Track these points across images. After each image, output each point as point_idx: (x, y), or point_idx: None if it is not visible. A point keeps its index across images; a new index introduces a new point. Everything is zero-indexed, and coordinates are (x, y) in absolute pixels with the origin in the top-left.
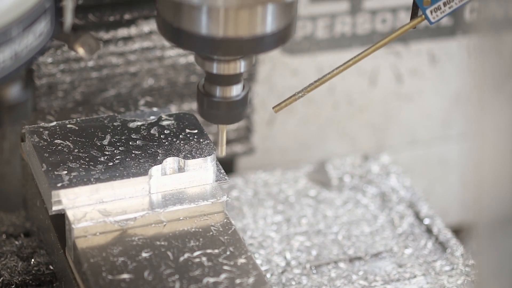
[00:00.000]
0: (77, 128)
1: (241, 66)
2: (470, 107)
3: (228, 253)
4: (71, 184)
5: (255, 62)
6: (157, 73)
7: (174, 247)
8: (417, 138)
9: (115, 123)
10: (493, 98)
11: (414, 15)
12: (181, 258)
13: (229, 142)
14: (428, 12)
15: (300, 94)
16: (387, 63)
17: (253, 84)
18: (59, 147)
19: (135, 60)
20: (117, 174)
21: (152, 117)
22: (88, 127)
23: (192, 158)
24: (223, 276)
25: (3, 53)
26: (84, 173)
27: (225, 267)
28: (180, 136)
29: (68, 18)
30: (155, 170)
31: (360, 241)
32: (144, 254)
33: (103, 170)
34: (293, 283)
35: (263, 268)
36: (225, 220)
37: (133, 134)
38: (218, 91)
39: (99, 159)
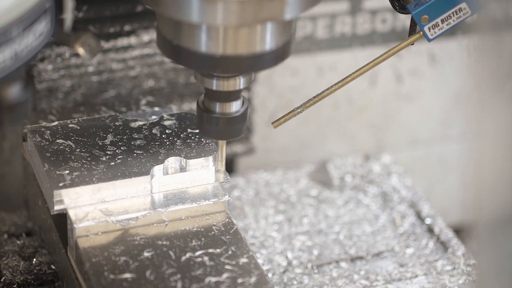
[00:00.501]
0: (78, 127)
1: (240, 83)
2: (470, 107)
3: (230, 252)
4: (73, 183)
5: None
6: (157, 75)
7: (176, 246)
8: (417, 138)
9: (116, 123)
10: (493, 98)
11: (412, 31)
12: (183, 258)
13: (229, 142)
14: (426, 29)
15: (299, 110)
16: (387, 63)
17: (253, 84)
18: (61, 147)
19: (135, 65)
20: (119, 174)
21: (153, 117)
22: (89, 126)
23: (194, 158)
24: (225, 275)
25: (3, 53)
26: (86, 172)
27: (227, 267)
28: (182, 135)
29: (68, 18)
30: (157, 169)
31: (361, 241)
32: (146, 254)
33: (105, 169)
34: (295, 282)
35: (264, 268)
36: (227, 220)
37: (135, 134)
38: (218, 107)
39: (101, 158)
